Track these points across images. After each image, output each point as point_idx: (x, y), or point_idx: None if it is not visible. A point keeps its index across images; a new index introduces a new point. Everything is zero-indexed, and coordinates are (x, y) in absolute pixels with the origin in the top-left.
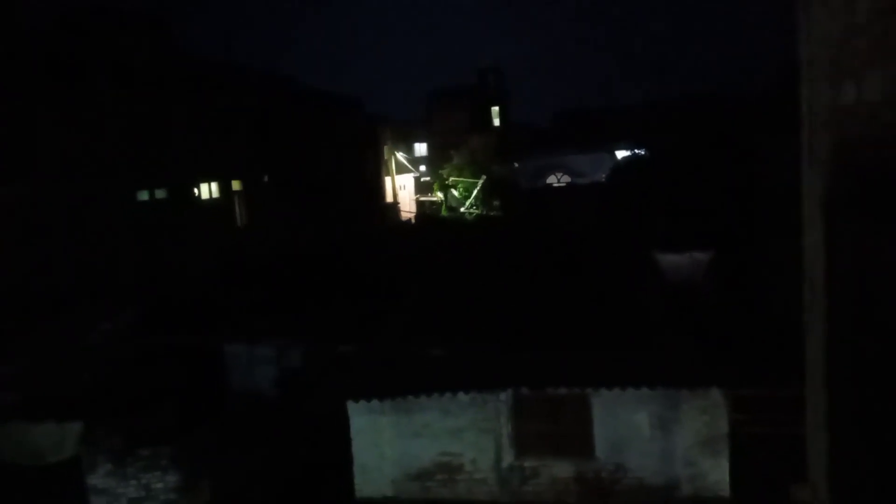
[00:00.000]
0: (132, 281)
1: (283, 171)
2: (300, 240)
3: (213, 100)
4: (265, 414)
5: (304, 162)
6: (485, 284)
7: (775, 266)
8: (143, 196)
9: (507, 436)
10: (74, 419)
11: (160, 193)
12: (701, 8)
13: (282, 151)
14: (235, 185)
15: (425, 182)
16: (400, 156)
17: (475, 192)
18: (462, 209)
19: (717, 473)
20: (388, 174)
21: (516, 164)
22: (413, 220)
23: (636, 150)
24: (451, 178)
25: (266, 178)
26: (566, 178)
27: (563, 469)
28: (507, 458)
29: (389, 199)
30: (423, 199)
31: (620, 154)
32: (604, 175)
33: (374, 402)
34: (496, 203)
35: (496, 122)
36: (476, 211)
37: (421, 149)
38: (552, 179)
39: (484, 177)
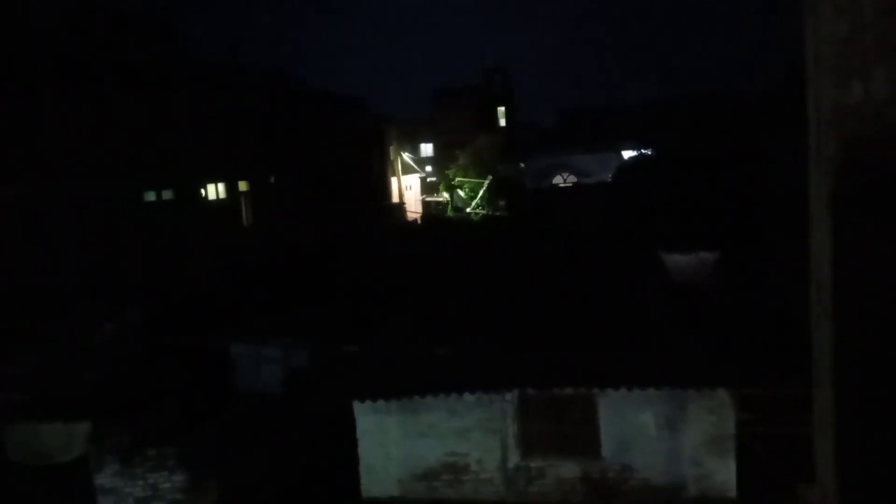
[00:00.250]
0: (138, 281)
1: (289, 171)
2: (306, 240)
3: (220, 100)
4: (271, 414)
5: (310, 162)
6: (491, 284)
7: (782, 266)
8: (150, 197)
9: (513, 436)
10: (81, 419)
11: (167, 194)
12: (706, 7)
13: (288, 152)
14: (242, 185)
15: (431, 182)
16: (406, 156)
17: (481, 192)
18: (468, 209)
19: (724, 473)
20: (393, 174)
21: (522, 164)
22: (419, 221)
23: (642, 150)
24: (457, 179)
25: (272, 179)
26: (572, 178)
27: (569, 469)
28: (513, 459)
29: (395, 199)
30: (428, 199)
31: (626, 154)
32: (610, 175)
33: (380, 402)
34: (502, 203)
35: (501, 122)
36: (482, 211)
37: (427, 149)
38: (558, 179)
39: (490, 177)
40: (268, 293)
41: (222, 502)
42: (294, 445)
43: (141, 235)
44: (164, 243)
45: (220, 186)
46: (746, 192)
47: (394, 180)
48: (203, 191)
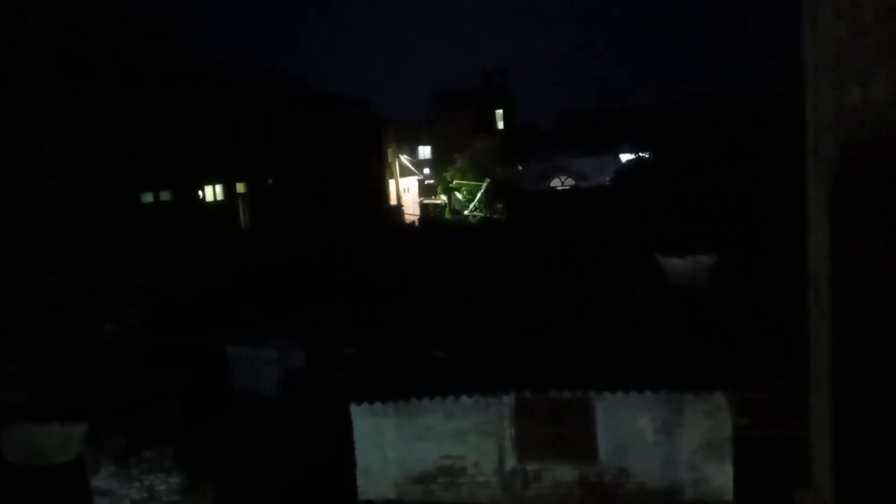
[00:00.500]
0: (136, 282)
1: (287, 172)
2: (304, 242)
3: (218, 101)
4: (268, 415)
5: (308, 164)
6: (488, 286)
7: (779, 269)
8: (148, 198)
9: (510, 439)
10: (78, 420)
11: (165, 195)
12: (704, 10)
13: (286, 153)
14: (240, 187)
15: (429, 185)
16: (404, 158)
17: (479, 195)
18: (466, 212)
19: (721, 478)
20: (391, 176)
21: (520, 167)
22: (417, 223)
23: (640, 154)
24: (455, 181)
25: (270, 180)
26: (570, 181)
27: (565, 473)
28: (510, 462)
29: (393, 201)
30: (426, 201)
31: (624, 157)
32: (608, 178)
33: (377, 405)
34: (500, 206)
35: (500, 124)
36: (480, 214)
37: (425, 151)
38: (556, 182)
39: (487, 180)
40: (265, 294)
41: None
42: (291, 447)
43: (139, 236)
44: (162, 244)
45: (218, 188)
46: (744, 195)
47: (392, 182)
48: (201, 192)
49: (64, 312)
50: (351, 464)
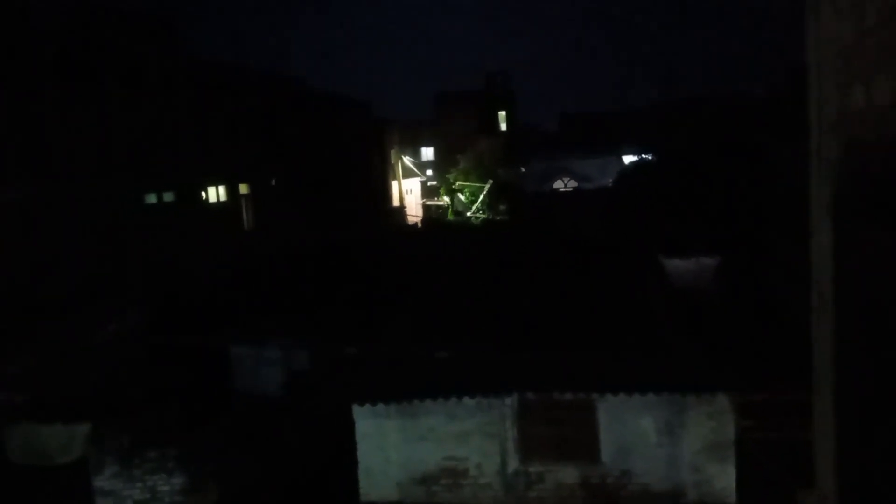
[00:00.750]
0: (139, 282)
1: (290, 173)
2: (306, 242)
3: (221, 102)
4: (271, 415)
5: (311, 165)
6: (491, 288)
7: (783, 270)
8: (151, 198)
9: (513, 440)
10: (81, 420)
11: (168, 196)
12: (708, 11)
13: (289, 154)
14: (243, 188)
15: (432, 186)
16: (407, 160)
17: (481, 196)
18: (468, 213)
19: (724, 479)
20: (394, 178)
21: (522, 169)
22: (419, 224)
23: (643, 155)
24: (458, 183)
25: (273, 181)
26: (573, 183)
27: (568, 474)
28: (513, 463)
29: (396, 202)
30: (429, 203)
31: (627, 158)
32: (610, 180)
33: (380, 406)
34: (502, 207)
35: (503, 125)
36: (482, 215)
37: (428, 153)
38: (558, 184)
39: (490, 181)
40: (268, 295)
41: None
42: (293, 448)
43: (142, 237)
44: (164, 245)
45: (221, 188)
46: (747, 197)
47: (394, 184)
48: (204, 193)
49: (66, 312)
50: (353, 464)
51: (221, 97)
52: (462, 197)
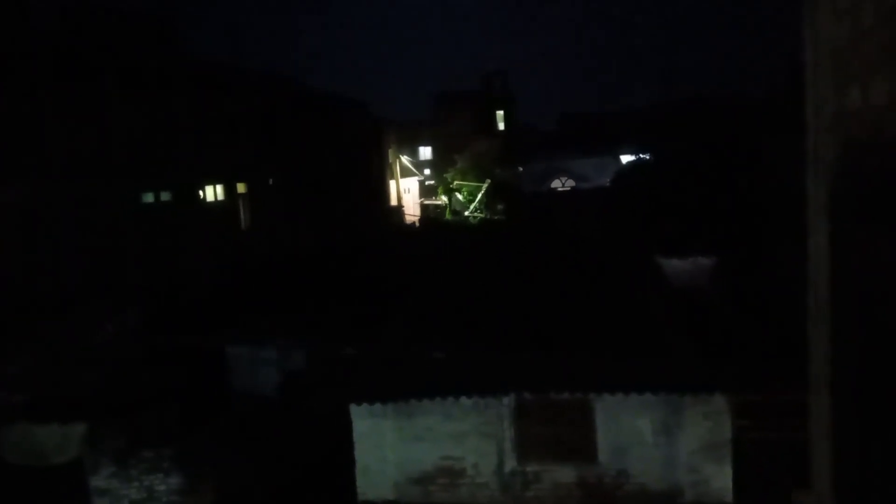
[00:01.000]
0: (136, 282)
1: (287, 173)
2: (304, 242)
3: (219, 101)
4: (268, 415)
5: (308, 164)
6: (488, 288)
7: (780, 271)
8: (149, 198)
9: (510, 440)
10: (78, 420)
11: (165, 195)
12: (705, 11)
13: (287, 153)
14: (240, 187)
15: (430, 186)
16: (405, 159)
17: (479, 195)
18: (466, 213)
19: (720, 480)
20: (392, 177)
21: (520, 168)
22: (417, 224)
23: (640, 155)
24: (456, 182)
25: (271, 181)
26: (570, 183)
27: (565, 474)
28: (510, 463)
29: (394, 202)
30: (427, 202)
31: (625, 158)
32: (608, 179)
33: (377, 405)
34: (500, 207)
35: (501, 125)
36: (480, 215)
37: (426, 152)
38: (556, 184)
39: (488, 181)
40: (265, 295)
41: None
42: (290, 448)
43: (139, 236)
44: (162, 244)
45: (219, 188)
46: (744, 197)
47: (392, 183)
48: (201, 192)
49: (64, 312)
50: (350, 464)
51: (219, 96)
52: (460, 196)
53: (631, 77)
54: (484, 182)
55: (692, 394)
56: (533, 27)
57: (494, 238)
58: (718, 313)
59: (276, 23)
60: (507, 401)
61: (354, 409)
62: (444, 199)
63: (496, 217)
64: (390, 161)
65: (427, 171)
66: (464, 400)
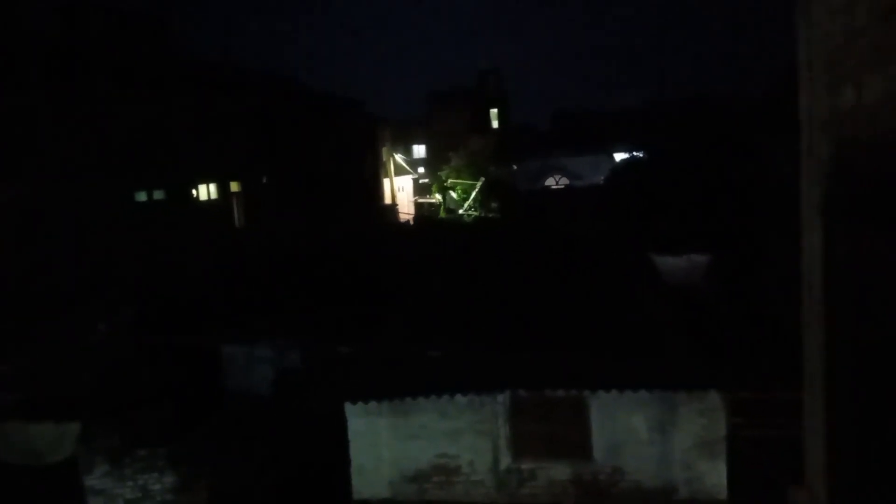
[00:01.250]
0: (130, 281)
1: (281, 171)
2: (298, 241)
3: (213, 100)
4: (263, 414)
5: (303, 163)
6: (483, 286)
7: (774, 268)
8: (142, 197)
9: (505, 438)
10: (72, 419)
11: (158, 194)
12: (700, 9)
13: (281, 152)
14: (234, 186)
15: (424, 184)
16: (399, 157)
17: (473, 193)
18: (460, 211)
19: (715, 476)
20: (386, 175)
21: (514, 167)
22: (411, 222)
23: (635, 153)
24: (450, 180)
25: (265, 179)
26: (564, 181)
27: (560, 471)
28: (505, 461)
29: (388, 200)
30: (421, 200)
31: (619, 156)
32: (602, 177)
33: (372, 404)
34: (494, 205)
35: (495, 123)
36: (474, 213)
37: (420, 150)
38: (550, 182)
39: (482, 179)
40: (260, 294)
41: None
42: (285, 447)
43: (133, 235)
44: (155, 243)
45: (212, 186)
46: (738, 195)
47: (386, 181)
48: (195, 191)
49: (58, 312)
50: (345, 463)
51: (213, 95)
52: (454, 195)
53: (625, 75)
54: (478, 180)
55: (687, 391)
56: (527, 25)
57: (489, 236)
58: (713, 311)
59: (271, 22)
60: (502, 398)
61: (349, 408)
62: (438, 197)
63: (491, 215)
64: (384, 159)
65: (421, 170)
66: (459, 398)
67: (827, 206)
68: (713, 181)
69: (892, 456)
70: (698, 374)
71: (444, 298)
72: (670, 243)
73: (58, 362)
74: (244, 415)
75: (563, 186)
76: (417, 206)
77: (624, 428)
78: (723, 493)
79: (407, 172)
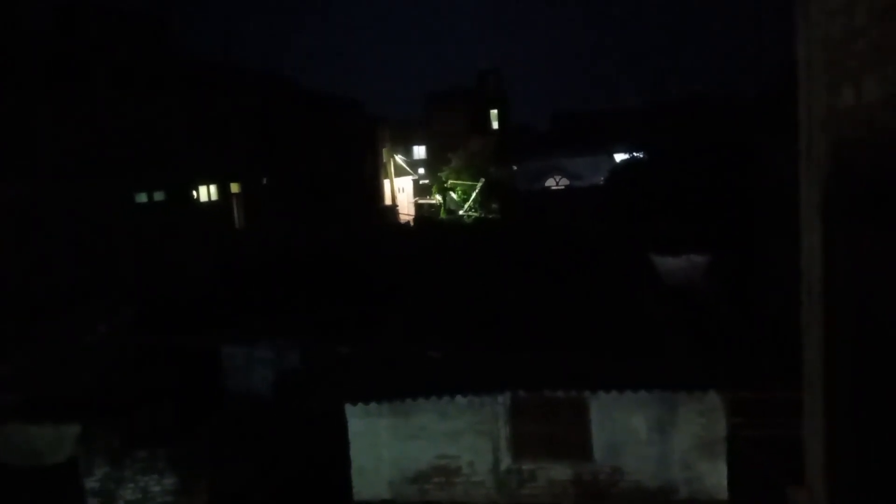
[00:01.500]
0: (130, 282)
1: (281, 172)
2: (298, 241)
3: (213, 101)
4: (263, 415)
5: (303, 164)
6: (483, 286)
7: (774, 268)
8: (142, 198)
9: (505, 438)
10: (72, 420)
11: (158, 195)
12: (699, 9)
13: (281, 153)
14: (234, 187)
15: (424, 185)
16: (399, 158)
17: (473, 194)
18: (460, 212)
19: (715, 477)
20: (386, 176)
21: (514, 167)
22: (411, 223)
23: (634, 153)
24: (450, 181)
25: (265, 180)
26: (564, 181)
27: (560, 472)
28: (505, 461)
29: (388, 201)
30: (421, 201)
31: (619, 157)
32: (602, 178)
33: (372, 405)
34: (494, 206)
35: (495, 124)
36: (474, 214)
37: (420, 151)
38: (550, 182)
39: (482, 180)
40: (260, 294)
41: None
42: (285, 447)
43: (133, 236)
44: (155, 244)
45: (212, 188)
46: (738, 195)
47: (386, 182)
48: (195, 192)
49: (58, 312)
50: (346, 464)
51: (213, 96)
52: (454, 195)
53: (625, 75)
54: (478, 181)
55: (686, 391)
56: (527, 25)
57: (489, 237)
58: (712, 311)
59: (271, 22)
60: (503, 399)
61: (349, 409)
62: (438, 198)
63: (491, 216)
64: (385, 160)
65: (421, 171)
66: (459, 398)
67: (826, 207)
68: (713, 181)
69: (892, 456)
70: (698, 375)
71: (445, 299)
72: (670, 244)
73: (58, 363)
74: (244, 415)
75: (563, 187)
76: (418, 207)
77: (624, 428)
78: (723, 494)
79: (407, 173)
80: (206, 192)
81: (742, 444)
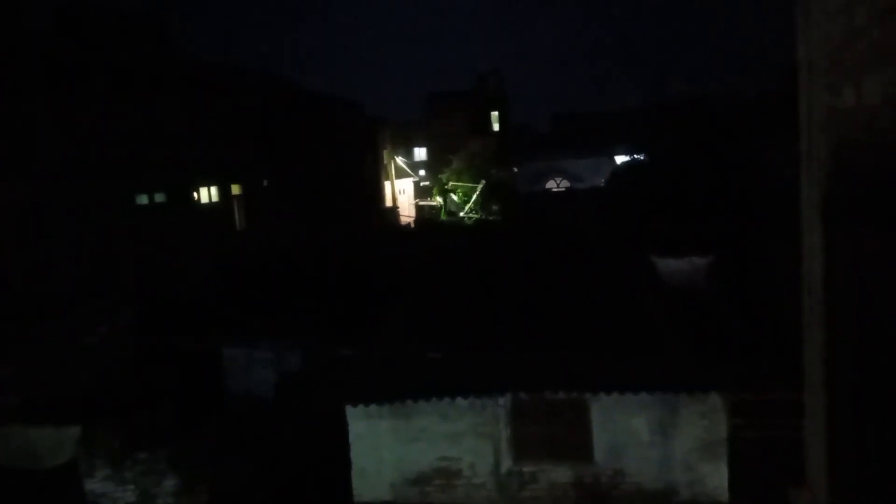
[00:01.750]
0: (131, 283)
1: (282, 174)
2: (299, 243)
3: (213, 102)
4: (263, 417)
5: (303, 165)
6: (483, 287)
7: (775, 269)
8: (143, 199)
9: (506, 440)
10: (72, 422)
11: (159, 197)
12: (701, 11)
13: (282, 155)
14: (235, 188)
15: (425, 186)
16: (399, 160)
17: (474, 196)
18: (461, 214)
19: (716, 478)
20: (387, 178)
21: (515, 169)
22: (412, 225)
23: (635, 155)
24: (451, 183)
25: (265, 182)
26: (565, 183)
27: (561, 474)
28: (506, 463)
29: (389, 203)
30: (422, 203)
31: (619, 159)
32: (603, 180)
33: (373, 406)
34: (495, 208)
35: (495, 126)
36: (475, 215)
37: (420, 153)
38: (551, 184)
39: (483, 181)
40: (260, 296)
41: None
42: (286, 449)
43: (133, 238)
44: (156, 246)
45: (213, 189)
46: (739, 196)
47: (387, 184)
48: (196, 193)
49: (58, 313)
50: (346, 466)
51: (213, 97)
52: (455, 197)
53: (625, 76)
54: (479, 183)
55: (688, 393)
56: (527, 25)
57: (490, 238)
58: (714, 312)
59: (271, 23)
60: (503, 401)
61: (350, 411)
62: (439, 199)
63: (491, 218)
64: (385, 162)
65: (422, 172)
66: (460, 400)
67: (827, 207)
68: (714, 183)
69: (892, 456)
70: (699, 376)
71: (445, 300)
72: (671, 245)
73: (58, 363)
74: (244, 416)
75: (563, 189)
76: (418, 208)
77: (625, 430)
78: (724, 495)
79: (408, 175)
80: (206, 194)
81: (743, 446)
